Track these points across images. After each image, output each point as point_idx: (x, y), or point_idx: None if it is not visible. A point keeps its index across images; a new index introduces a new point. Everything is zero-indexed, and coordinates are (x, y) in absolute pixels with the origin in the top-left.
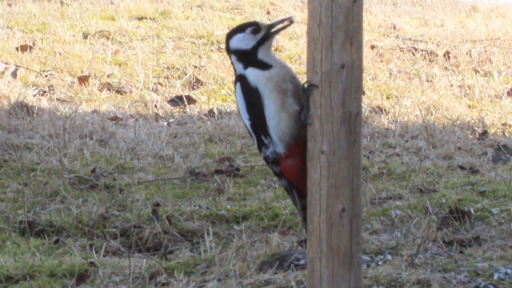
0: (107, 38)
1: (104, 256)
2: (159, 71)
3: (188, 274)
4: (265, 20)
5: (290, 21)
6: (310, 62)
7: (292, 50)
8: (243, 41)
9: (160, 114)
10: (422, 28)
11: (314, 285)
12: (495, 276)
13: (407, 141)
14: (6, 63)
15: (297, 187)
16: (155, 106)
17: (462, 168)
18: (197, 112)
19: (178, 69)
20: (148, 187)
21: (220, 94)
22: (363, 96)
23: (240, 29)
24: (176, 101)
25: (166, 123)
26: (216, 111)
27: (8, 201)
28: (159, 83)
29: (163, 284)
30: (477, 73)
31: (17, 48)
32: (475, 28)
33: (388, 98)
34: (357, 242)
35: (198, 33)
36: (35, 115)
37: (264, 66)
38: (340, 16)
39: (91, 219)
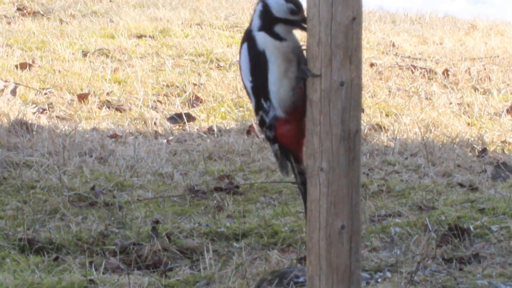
0: (107, 56)
1: (103, 273)
2: (159, 88)
3: None
4: None
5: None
6: (309, 79)
7: None
8: (278, 5)
9: (160, 132)
10: (421, 46)
11: None
12: None
13: (406, 158)
14: (6, 81)
15: (293, 152)
16: (155, 123)
17: (461, 185)
18: (197, 129)
19: (177, 87)
20: (147, 205)
21: (219, 111)
22: (362, 113)
23: None
24: (176, 118)
25: (165, 140)
26: (215, 129)
27: (8, 218)
28: (158, 100)
29: None
30: (476, 91)
31: (16, 66)
32: (474, 46)
33: (387, 115)
34: (356, 259)
35: (198, 51)
36: (34, 132)
37: (277, 37)
38: (339, 34)
39: (91, 237)
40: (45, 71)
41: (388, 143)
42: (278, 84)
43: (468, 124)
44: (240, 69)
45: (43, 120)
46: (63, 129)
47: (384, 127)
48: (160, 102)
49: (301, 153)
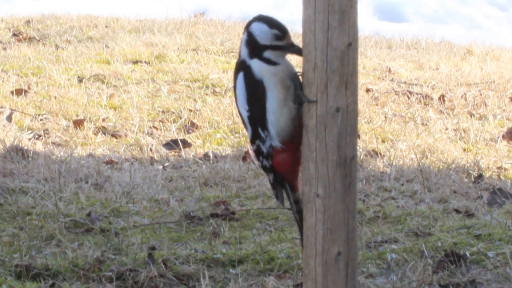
0: (102, 81)
1: None
2: (154, 114)
3: None
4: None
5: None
6: (305, 105)
7: None
8: (261, 34)
9: (155, 158)
10: (417, 71)
11: None
12: None
13: (402, 184)
14: (1, 107)
15: (288, 180)
16: (150, 149)
17: (457, 211)
18: (192, 155)
19: (173, 112)
20: (143, 231)
21: (215, 137)
22: (358, 139)
23: (270, 23)
24: (171, 144)
25: (161, 166)
26: (211, 155)
27: (4, 245)
28: (154, 126)
29: None
30: (472, 116)
31: (12, 92)
32: (470, 71)
33: (383, 141)
34: (353, 285)
35: (193, 76)
36: (30, 159)
37: (270, 62)
38: (335, 59)
39: (87, 263)
40: (41, 97)
41: (384, 169)
42: (278, 113)
43: (464, 150)
44: (236, 98)
45: (39, 146)
46: (59, 155)
47: (380, 153)
48: (156, 128)
49: (297, 182)
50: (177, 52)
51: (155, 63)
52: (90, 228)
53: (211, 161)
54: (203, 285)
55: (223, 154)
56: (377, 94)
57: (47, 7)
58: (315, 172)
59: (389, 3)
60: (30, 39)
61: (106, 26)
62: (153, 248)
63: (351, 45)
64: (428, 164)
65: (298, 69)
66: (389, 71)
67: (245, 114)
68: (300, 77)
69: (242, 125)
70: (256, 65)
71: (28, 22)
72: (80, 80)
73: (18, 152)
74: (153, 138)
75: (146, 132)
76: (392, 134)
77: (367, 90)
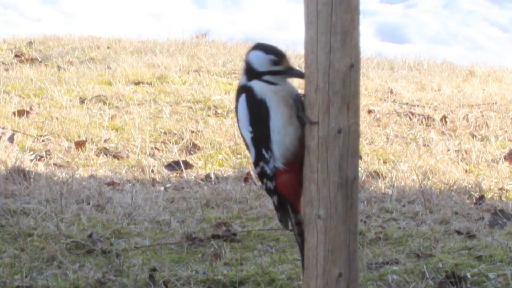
0: (104, 102)
1: None
2: (156, 136)
3: None
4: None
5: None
6: (307, 126)
7: None
8: (258, 61)
9: (157, 179)
10: (419, 92)
11: None
12: None
13: (404, 206)
14: (3, 128)
15: (291, 202)
16: (152, 171)
17: (459, 232)
18: (194, 177)
19: (175, 134)
20: (145, 252)
21: (217, 159)
22: (360, 160)
23: (266, 49)
24: (173, 166)
25: (163, 188)
26: (213, 176)
27: (5, 266)
28: (156, 148)
29: None
30: (474, 137)
31: (14, 113)
32: (472, 92)
33: (385, 162)
34: None
35: (195, 97)
36: (32, 180)
37: (269, 82)
38: (337, 81)
39: (88, 284)
40: (43, 118)
41: (386, 190)
42: (284, 132)
43: (466, 171)
44: (238, 121)
45: (41, 168)
46: (61, 176)
47: (382, 174)
48: (158, 149)
49: (299, 203)
50: (179, 73)
51: (157, 84)
52: (91, 249)
53: (213, 182)
54: None
55: (225, 175)
56: (379, 115)
57: (49, 29)
58: (316, 193)
59: (391, 25)
60: (32, 60)
61: (108, 47)
62: (154, 270)
63: (353, 67)
64: (429, 185)
65: (300, 91)
66: (391, 92)
67: (248, 136)
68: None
69: (244, 147)
70: (257, 85)
71: (30, 43)
72: (82, 101)
73: (19, 173)
74: (155, 159)
75: (148, 153)
76: (394, 155)
77: (369, 111)
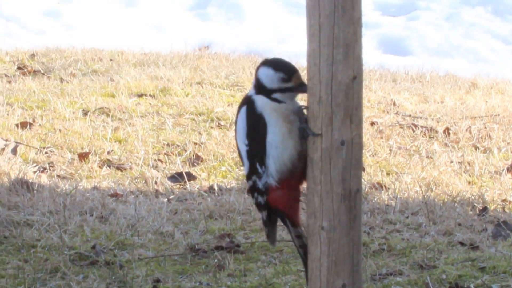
0: (107, 115)
1: None
2: (159, 147)
3: None
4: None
5: None
6: (310, 138)
7: None
8: (268, 78)
9: (160, 191)
10: (422, 104)
11: None
12: None
13: (407, 217)
14: (6, 140)
15: (289, 216)
16: (155, 182)
17: (462, 244)
18: (197, 188)
19: (178, 145)
20: (148, 264)
21: (220, 170)
22: (363, 172)
23: (275, 66)
24: (176, 177)
25: (166, 199)
26: (216, 188)
27: (9, 277)
28: (159, 159)
29: None
30: (477, 149)
31: (17, 125)
32: (475, 104)
33: (388, 174)
34: None
35: (198, 109)
36: (35, 191)
37: (276, 100)
38: (340, 93)
39: None
40: (46, 130)
41: (389, 201)
42: (281, 147)
43: (469, 182)
44: (236, 132)
45: (44, 179)
46: (64, 188)
47: (385, 186)
48: (161, 161)
49: (297, 217)
50: (182, 85)
51: (160, 96)
52: (95, 260)
53: (216, 194)
54: None
55: (228, 187)
56: (381, 127)
57: (52, 41)
58: (320, 205)
59: (394, 37)
60: (35, 73)
61: (111, 60)
62: (158, 281)
63: (356, 79)
64: (433, 197)
65: (303, 103)
66: (394, 104)
67: (244, 149)
68: (305, 111)
69: (242, 165)
70: (259, 100)
71: (32, 55)
72: (85, 113)
73: (23, 185)
74: (158, 171)
75: (151, 165)
76: (397, 167)
77: (372, 123)
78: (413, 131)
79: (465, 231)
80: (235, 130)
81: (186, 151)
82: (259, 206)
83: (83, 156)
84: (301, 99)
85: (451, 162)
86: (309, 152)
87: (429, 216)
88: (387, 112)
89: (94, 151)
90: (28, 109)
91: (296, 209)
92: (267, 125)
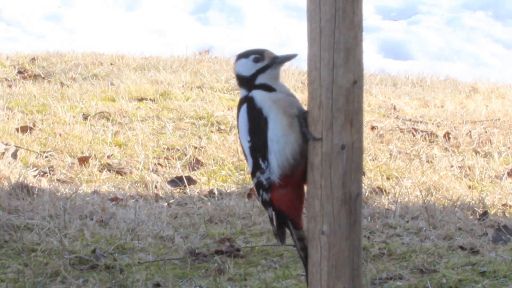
0: (107, 119)
1: None
2: (159, 152)
3: None
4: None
5: (293, 56)
6: (310, 143)
7: None
8: (244, 67)
9: (160, 195)
10: (422, 109)
11: None
12: None
13: (407, 221)
14: (7, 144)
15: (291, 218)
16: (155, 187)
17: (462, 248)
18: (197, 192)
19: (178, 150)
20: (148, 268)
21: (220, 174)
22: (363, 176)
23: (245, 54)
24: (176, 181)
25: (166, 203)
26: (216, 192)
27: (9, 281)
28: (159, 164)
29: None
30: (477, 154)
31: (17, 129)
32: (475, 109)
33: (388, 178)
34: None
35: (198, 114)
36: (35, 195)
37: (267, 88)
38: (341, 97)
39: None
40: (46, 134)
41: (389, 206)
42: (283, 141)
43: (469, 187)
44: (238, 131)
45: (44, 183)
46: (64, 192)
47: (385, 190)
48: (161, 165)
49: (300, 219)
50: (182, 89)
51: (160, 101)
52: (95, 264)
53: (216, 198)
54: None
55: (228, 191)
56: (382, 132)
57: (52, 45)
58: (320, 209)
59: (394, 41)
60: (35, 77)
61: (111, 64)
62: (158, 285)
63: (357, 83)
64: (433, 201)
65: (304, 107)
66: (394, 108)
67: (247, 145)
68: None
69: (247, 163)
70: (258, 95)
71: (33, 59)
72: (85, 118)
73: (23, 189)
74: (158, 175)
75: (151, 169)
76: (397, 171)
77: (372, 128)
78: (414, 135)
79: (465, 235)
80: (238, 129)
81: (186, 155)
82: (265, 203)
83: (83, 160)
84: (303, 103)
85: (452, 166)
86: (310, 157)
87: (429, 221)
88: (388, 116)
89: (94, 155)
90: (29, 113)
91: (299, 210)
92: (267, 119)
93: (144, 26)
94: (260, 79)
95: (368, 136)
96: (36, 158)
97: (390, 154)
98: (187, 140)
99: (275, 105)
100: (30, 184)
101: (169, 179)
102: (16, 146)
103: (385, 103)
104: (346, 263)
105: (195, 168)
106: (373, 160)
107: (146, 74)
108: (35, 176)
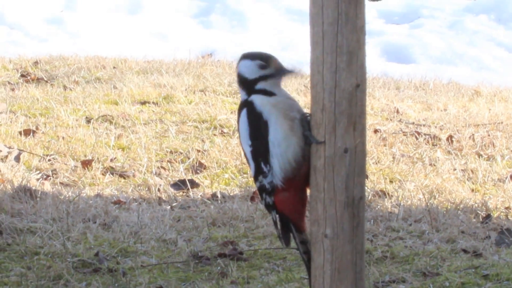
0: (110, 122)
1: None
2: (162, 155)
3: None
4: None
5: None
6: (313, 146)
7: None
8: (247, 69)
9: (163, 198)
10: (425, 112)
11: None
12: None
13: (410, 224)
14: (9, 147)
15: (293, 221)
16: (158, 190)
17: (465, 251)
18: (200, 196)
19: (181, 153)
20: (151, 271)
21: (223, 178)
22: (366, 180)
23: (251, 56)
24: (179, 185)
25: (169, 207)
26: (219, 195)
27: (12, 284)
28: (162, 167)
29: None
30: (480, 157)
31: (20, 133)
32: (478, 112)
33: (391, 182)
34: None
35: (201, 117)
36: (38, 199)
37: (267, 93)
38: (343, 100)
39: None
40: (49, 138)
41: (392, 209)
42: (284, 145)
43: (472, 190)
44: (239, 135)
45: (47, 187)
46: (67, 195)
47: (388, 193)
48: (164, 168)
49: (303, 223)
50: (185, 93)
51: (163, 104)
52: (98, 268)
53: (219, 201)
54: None
55: (231, 194)
56: (385, 135)
57: (55, 49)
58: (323, 212)
59: (397, 45)
60: (38, 80)
61: (114, 67)
62: None
63: (359, 86)
64: (436, 204)
65: (306, 110)
66: (397, 112)
67: (248, 150)
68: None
69: (249, 167)
70: (257, 99)
71: (36, 63)
72: (88, 121)
73: (26, 192)
74: (161, 179)
75: (154, 172)
76: (400, 174)
77: (375, 131)
78: (416, 138)
79: (468, 238)
80: (239, 134)
81: (189, 158)
82: (268, 207)
83: (86, 164)
84: (305, 107)
85: (454, 169)
86: (312, 160)
87: (432, 224)
88: (391, 119)
89: (97, 158)
90: (31, 117)
91: (301, 214)
92: (267, 123)
93: (147, 29)
94: (260, 85)
95: (371, 139)
96: (39, 161)
97: (393, 157)
98: (190, 144)
99: (274, 108)
100: (33, 187)
101: (172, 182)
102: (19, 150)
103: (388, 106)
104: (349, 266)
105: (198, 171)
106: (376, 163)
107: (149, 78)
108: (38, 179)
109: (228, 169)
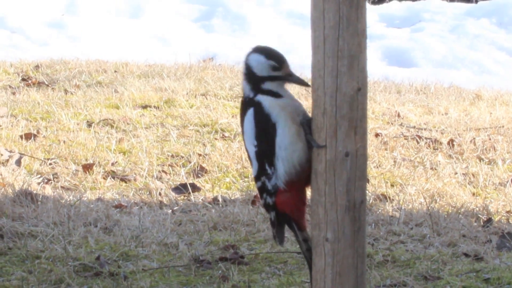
0: (111, 126)
1: None
2: (164, 159)
3: None
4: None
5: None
6: (314, 150)
7: None
8: (259, 65)
9: (165, 202)
10: (426, 116)
11: None
12: None
13: (411, 228)
14: (11, 151)
15: (295, 220)
16: (160, 194)
17: (466, 255)
18: (202, 200)
19: (182, 157)
20: (152, 275)
21: (224, 182)
22: (367, 184)
23: (266, 53)
24: (181, 189)
25: (170, 210)
26: (220, 199)
27: None
28: (163, 171)
29: None
30: (481, 161)
31: (21, 136)
32: (479, 116)
33: (392, 186)
34: None
35: (202, 121)
36: (39, 203)
37: (274, 94)
38: (345, 104)
39: None
40: (50, 142)
41: (393, 213)
42: (291, 149)
43: (473, 194)
44: (243, 133)
45: (48, 191)
46: (68, 199)
47: (389, 197)
48: (165, 172)
49: (304, 221)
50: (186, 97)
51: (164, 108)
52: (99, 272)
53: (220, 205)
54: None
55: (232, 198)
56: (386, 139)
57: (56, 52)
58: (324, 216)
59: (398, 49)
60: (39, 84)
61: (115, 71)
62: None
63: (360, 90)
64: (437, 208)
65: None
66: (398, 115)
67: (252, 150)
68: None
69: (251, 170)
70: (266, 101)
71: (37, 67)
72: (89, 125)
73: (27, 196)
74: (162, 182)
75: (155, 176)
76: (401, 178)
77: (376, 135)
78: (418, 142)
79: (469, 242)
80: (242, 132)
81: (190, 162)
82: (268, 207)
83: (87, 168)
84: (307, 110)
85: (456, 173)
86: (314, 164)
87: (433, 228)
88: (392, 123)
89: (98, 162)
90: (33, 121)
91: (303, 212)
92: (275, 125)
93: (148, 33)
94: (268, 85)
95: (372, 143)
96: (40, 165)
97: (394, 161)
98: (191, 147)
99: (283, 112)
100: (34, 191)
101: (173, 186)
102: (20, 153)
103: (389, 110)
104: (350, 270)
105: (199, 175)
106: (377, 167)
107: (150, 82)
108: (39, 183)
109: (229, 173)
